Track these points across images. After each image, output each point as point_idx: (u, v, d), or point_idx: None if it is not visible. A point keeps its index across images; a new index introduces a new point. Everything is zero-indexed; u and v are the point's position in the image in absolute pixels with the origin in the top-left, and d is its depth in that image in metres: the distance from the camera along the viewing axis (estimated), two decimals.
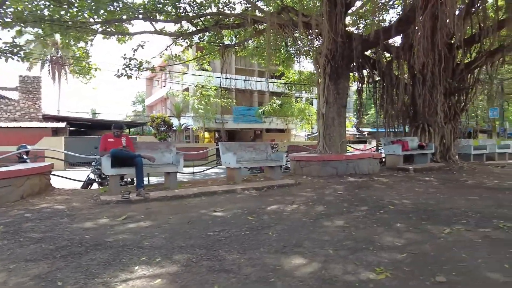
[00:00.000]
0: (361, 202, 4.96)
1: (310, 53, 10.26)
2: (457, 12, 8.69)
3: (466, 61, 11.31)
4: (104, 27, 9.63)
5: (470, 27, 11.12)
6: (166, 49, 11.84)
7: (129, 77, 10.92)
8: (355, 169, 7.98)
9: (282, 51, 14.34)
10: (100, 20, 8.87)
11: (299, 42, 11.02)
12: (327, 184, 6.82)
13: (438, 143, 11.42)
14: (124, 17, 9.41)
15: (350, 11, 10.67)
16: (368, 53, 11.16)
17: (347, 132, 11.94)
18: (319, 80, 8.98)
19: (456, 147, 12.40)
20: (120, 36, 10.80)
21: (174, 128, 25.82)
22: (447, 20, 7.17)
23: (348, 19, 11.83)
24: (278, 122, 26.41)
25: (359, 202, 5.00)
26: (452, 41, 9.56)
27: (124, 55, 10.75)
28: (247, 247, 2.97)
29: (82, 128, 28.55)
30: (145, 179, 6.58)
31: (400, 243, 3.06)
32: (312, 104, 27.35)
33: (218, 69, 26.44)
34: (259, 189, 6.20)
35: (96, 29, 9.48)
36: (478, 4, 10.30)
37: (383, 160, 10.46)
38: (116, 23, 9.68)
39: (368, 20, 11.48)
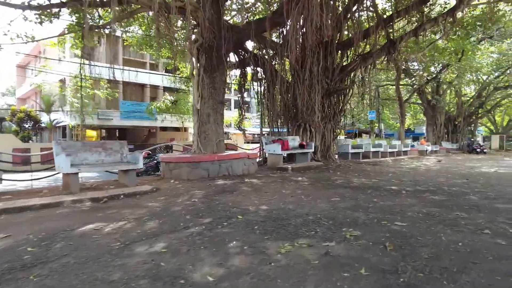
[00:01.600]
0: (209, 212, 4.13)
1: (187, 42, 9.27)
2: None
3: (344, 63, 11.80)
4: None
5: (346, 31, 11.60)
6: (10, 24, 9.42)
7: None
8: (228, 170, 7.27)
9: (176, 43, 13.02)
10: None
11: (175, 29, 9.90)
12: (190, 189, 5.89)
13: (319, 142, 11.66)
14: None
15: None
16: (257, 50, 10.75)
17: (247, 132, 11.31)
18: (194, 72, 8.03)
19: (337, 146, 12.93)
20: None
21: (43, 124, 21.92)
22: (316, 16, 6.98)
23: (229, 5, 11.20)
24: (173, 120, 24.78)
25: (207, 212, 4.17)
26: (326, 40, 9.63)
27: None
28: None
29: None
30: None
31: (215, 277, 2.24)
32: None
33: (102, 59, 23.54)
34: (97, 200, 4.91)
35: None
36: (355, 9, 10.75)
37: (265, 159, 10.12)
38: None
39: (250, 12, 11.07)
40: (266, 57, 9.57)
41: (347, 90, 11.67)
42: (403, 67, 20.22)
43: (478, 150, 25.17)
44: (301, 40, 9.70)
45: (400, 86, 27.25)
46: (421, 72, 22.27)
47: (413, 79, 21.99)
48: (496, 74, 25.00)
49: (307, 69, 9.37)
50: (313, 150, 10.54)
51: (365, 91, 11.62)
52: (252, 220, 3.77)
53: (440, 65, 20.24)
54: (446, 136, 27.87)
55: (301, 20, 7.54)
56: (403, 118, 19.79)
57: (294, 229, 3.41)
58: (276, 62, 8.93)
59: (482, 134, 42.47)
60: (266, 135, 11.45)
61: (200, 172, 6.98)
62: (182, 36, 12.07)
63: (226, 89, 8.56)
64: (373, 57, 11.30)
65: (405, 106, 29.70)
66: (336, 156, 12.97)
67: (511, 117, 37.64)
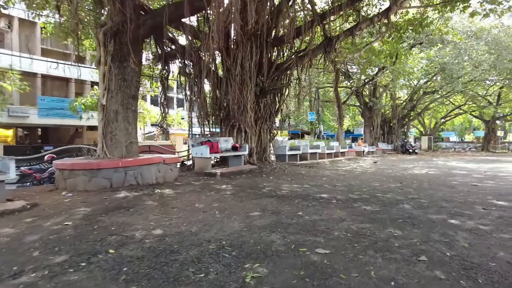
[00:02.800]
0: (73, 244, 2.99)
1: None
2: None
3: (280, 61, 11.15)
4: None
5: (282, 27, 10.97)
6: None
7: None
8: (137, 179, 6.07)
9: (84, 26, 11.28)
10: None
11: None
12: (77, 205, 4.64)
13: (256, 144, 10.89)
14: None
15: None
16: (187, 40, 9.58)
17: (207, 131, 10.07)
18: (100, 61, 6.70)
19: (274, 148, 12.27)
20: None
21: None
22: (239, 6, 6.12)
23: None
24: None
25: (71, 243, 3.02)
26: (258, 33, 8.84)
27: None
28: None
29: None
30: None
31: None
32: (145, 99, 24.47)
33: (14, 47, 20.55)
34: None
35: None
36: (290, 3, 10.12)
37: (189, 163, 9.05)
38: None
39: None
40: (193, 47, 8.50)
41: (284, 89, 11.04)
42: (343, 69, 20.43)
43: (410, 150, 26.58)
44: (233, 31, 8.83)
45: (339, 88, 27.88)
46: (359, 76, 22.79)
47: (351, 81, 22.38)
48: (425, 80, 26.58)
49: (238, 64, 8.49)
50: (247, 152, 9.71)
51: (301, 90, 11.06)
52: (126, 256, 2.72)
53: (376, 68, 20.78)
54: (382, 137, 29.06)
55: (224, 4, 6.63)
56: (341, 119, 20.00)
57: (178, 270, 2.44)
58: (206, 55, 7.94)
59: (414, 136, 45.55)
60: (198, 136, 10.36)
61: (100, 181, 5.70)
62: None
63: (140, 82, 7.32)
64: (310, 55, 10.80)
65: (343, 108, 30.49)
66: (274, 158, 12.32)
67: (438, 120, 40.74)
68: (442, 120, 40.61)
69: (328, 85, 25.54)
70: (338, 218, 4.02)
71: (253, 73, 8.95)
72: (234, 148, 9.41)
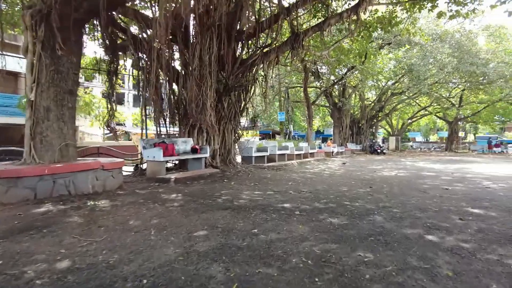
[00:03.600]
0: None
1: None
2: None
3: (245, 57, 10.45)
4: None
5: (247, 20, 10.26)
6: None
7: None
8: (69, 188, 5.13)
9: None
10: None
11: None
12: None
13: (219, 145, 10.12)
14: None
15: None
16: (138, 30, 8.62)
17: (166, 132, 9.09)
18: (28, 48, 5.68)
19: (240, 149, 11.56)
20: None
21: None
22: None
23: None
24: None
25: None
26: (218, 24, 8.07)
27: None
28: None
29: None
30: None
31: None
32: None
33: None
34: None
35: None
36: None
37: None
38: None
39: None
40: (145, 38, 7.57)
41: (249, 86, 10.34)
42: (312, 69, 20.06)
43: (378, 151, 26.80)
44: (191, 21, 8.02)
45: (309, 89, 27.64)
46: (328, 76, 22.58)
47: (320, 81, 22.10)
48: (393, 81, 26.90)
49: (196, 57, 7.68)
50: (208, 155, 8.92)
51: (270, 89, 10.42)
52: None
53: (345, 68, 20.62)
54: (351, 137, 29.14)
55: None
56: (310, 120, 19.63)
57: None
58: (157, 43, 7.05)
59: (382, 136, 46.47)
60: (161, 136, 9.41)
61: (21, 192, 4.72)
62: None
63: (79, 75, 6.34)
64: (276, 51, 10.19)
65: (313, 108, 30.34)
66: (239, 160, 11.61)
67: (405, 120, 41.72)
68: (409, 121, 41.63)
69: (299, 85, 25.19)
70: (299, 237, 3.36)
71: (214, 68, 8.17)
72: (194, 150, 8.59)
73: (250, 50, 10.41)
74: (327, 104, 28.58)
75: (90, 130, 28.15)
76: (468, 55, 23.53)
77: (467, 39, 24.35)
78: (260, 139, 36.69)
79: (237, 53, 9.91)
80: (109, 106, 8.00)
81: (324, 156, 19.42)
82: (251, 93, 10.45)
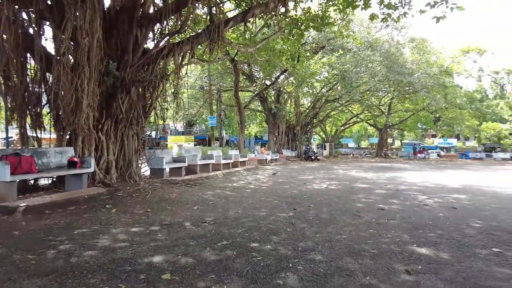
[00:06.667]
0: None
1: None
2: None
3: (148, 46, 8.53)
4: None
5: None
6: None
7: None
8: None
9: None
10: None
11: None
12: None
13: (117, 155, 8.03)
14: None
15: None
16: None
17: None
18: None
19: (148, 160, 9.52)
20: None
21: None
22: None
23: None
24: None
25: None
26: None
27: None
28: None
29: None
30: None
31: None
32: None
33: None
34: None
35: None
36: None
37: None
38: None
39: None
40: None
41: (157, 82, 8.40)
42: (244, 70, 18.68)
43: (312, 157, 26.40)
44: None
45: (244, 92, 26.35)
46: (262, 80, 21.48)
47: (254, 85, 20.83)
48: (327, 89, 26.82)
49: (67, 38, 5.61)
50: (92, 169, 6.78)
51: (179, 85, 8.59)
52: None
53: (278, 71, 19.62)
54: (287, 143, 28.45)
55: None
56: (242, 125, 18.14)
57: None
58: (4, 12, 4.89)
59: (317, 142, 47.13)
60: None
61: None
62: None
63: None
64: (192, 42, 8.44)
65: (246, 113, 29.08)
66: (147, 173, 9.57)
67: (338, 127, 42.69)
68: (342, 127, 42.67)
69: (231, 89, 23.69)
70: None
71: (98, 55, 6.13)
72: (71, 164, 6.41)
73: (156, 38, 8.50)
74: (263, 110, 27.56)
75: None
76: (396, 64, 24.22)
77: (396, 49, 25.13)
78: (194, 145, 34.47)
79: (139, 41, 7.95)
80: None
81: (257, 164, 18.04)
82: (159, 91, 8.51)
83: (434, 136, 55.70)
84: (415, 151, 36.21)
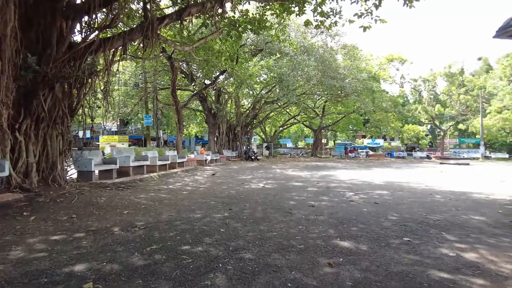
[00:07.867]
0: None
1: None
2: None
3: (75, 40, 7.94)
4: None
5: None
6: None
7: None
8: None
9: None
10: None
11: None
12: None
13: (38, 157, 7.33)
14: None
15: None
16: None
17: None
18: None
19: (75, 162, 8.85)
20: None
21: None
22: None
23: None
24: None
25: None
26: None
27: None
28: None
29: None
30: None
31: None
32: None
33: None
34: None
35: None
36: None
37: None
38: None
39: None
40: None
41: (85, 79, 7.84)
42: (182, 69, 18.28)
43: (252, 157, 26.83)
44: None
45: (183, 92, 25.77)
46: (202, 79, 21.22)
47: (193, 84, 20.50)
48: (266, 90, 27.46)
49: None
50: (7, 172, 6.11)
51: (109, 83, 8.13)
52: None
53: (218, 72, 19.58)
54: (228, 144, 28.49)
55: None
56: (180, 125, 17.72)
57: None
58: None
59: (257, 142, 47.98)
60: None
61: None
62: None
63: None
64: (124, 38, 8.05)
65: (189, 113, 28.54)
66: (74, 176, 8.91)
67: (277, 128, 43.96)
68: (280, 128, 44.02)
69: (169, 87, 23.01)
70: None
71: (11, 45, 5.54)
72: None
73: (85, 32, 7.94)
74: (202, 109, 27.23)
75: None
76: (330, 69, 25.68)
77: (330, 55, 26.65)
78: (129, 145, 32.74)
79: (65, 34, 7.36)
80: None
81: (196, 165, 17.80)
82: (88, 88, 7.96)
83: (363, 136, 60.34)
84: (346, 151, 38.81)
